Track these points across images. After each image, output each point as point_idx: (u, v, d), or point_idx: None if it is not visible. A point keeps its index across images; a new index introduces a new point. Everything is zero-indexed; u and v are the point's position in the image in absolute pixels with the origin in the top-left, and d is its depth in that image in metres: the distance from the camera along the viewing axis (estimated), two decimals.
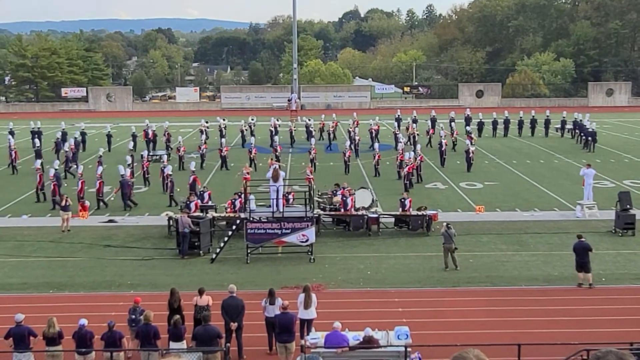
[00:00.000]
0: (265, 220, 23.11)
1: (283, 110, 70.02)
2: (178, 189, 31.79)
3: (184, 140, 43.67)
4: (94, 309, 18.46)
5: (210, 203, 27.86)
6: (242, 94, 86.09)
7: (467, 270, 21.93)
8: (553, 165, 41.06)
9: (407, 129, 47.73)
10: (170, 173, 32.70)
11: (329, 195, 28.55)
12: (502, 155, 44.46)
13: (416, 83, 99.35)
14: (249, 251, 23.13)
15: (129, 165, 33.96)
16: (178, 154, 40.72)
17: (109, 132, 48.72)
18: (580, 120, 50.92)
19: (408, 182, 33.48)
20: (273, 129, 47.99)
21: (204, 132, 47.88)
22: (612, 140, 51.04)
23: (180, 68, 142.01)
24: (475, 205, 30.20)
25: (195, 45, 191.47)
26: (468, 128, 47.64)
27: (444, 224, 22.61)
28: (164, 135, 47.40)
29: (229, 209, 26.89)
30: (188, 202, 26.13)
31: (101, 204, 31.05)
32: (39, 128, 48.69)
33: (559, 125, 53.52)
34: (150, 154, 41.24)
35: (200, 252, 23.87)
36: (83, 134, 48.23)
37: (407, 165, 34.15)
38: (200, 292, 16.62)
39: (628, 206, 26.23)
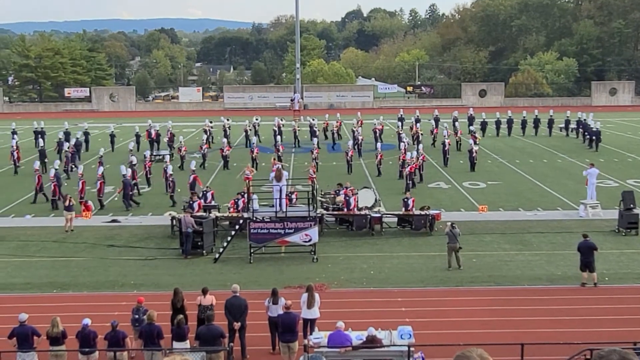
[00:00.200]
0: (268, 220, 23.11)
1: (286, 110, 70.04)
2: (179, 190, 31.82)
3: (185, 140, 43.69)
4: (98, 308, 18.48)
5: (213, 203, 27.89)
6: (244, 93, 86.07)
7: (470, 270, 21.92)
8: (556, 165, 41.01)
9: (411, 128, 47.68)
10: (171, 173, 32.73)
11: (332, 195, 28.55)
12: (505, 155, 44.42)
13: (419, 83, 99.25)
14: (252, 251, 23.14)
15: (134, 165, 34.05)
16: (179, 154, 40.80)
17: (112, 132, 48.77)
18: (585, 120, 50.89)
19: (410, 182, 33.48)
20: (276, 129, 48.01)
21: (207, 132, 47.93)
22: (616, 139, 50.94)
23: (183, 68, 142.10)
24: (478, 204, 30.19)
25: (198, 45, 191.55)
26: (472, 128, 47.61)
27: (449, 223, 22.60)
28: (167, 135, 47.44)
29: (232, 209, 26.90)
30: (191, 202, 26.15)
31: (101, 204, 31.04)
32: (42, 128, 48.75)
33: (563, 125, 53.49)
34: (154, 154, 41.29)
35: (204, 251, 23.89)
36: (86, 133, 48.31)
37: (409, 165, 34.15)
38: (204, 292, 16.64)
39: (631, 205, 26.19)
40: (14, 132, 47.97)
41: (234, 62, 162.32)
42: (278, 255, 23.73)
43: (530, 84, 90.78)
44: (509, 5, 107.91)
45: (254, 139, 44.05)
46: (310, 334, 15.61)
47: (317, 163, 38.07)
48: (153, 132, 47.28)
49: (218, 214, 26.46)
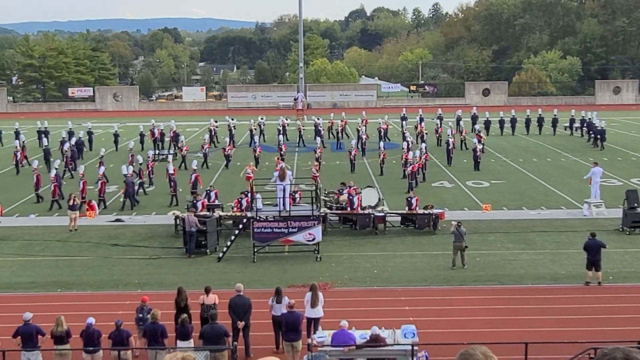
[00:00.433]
0: (272, 219, 23.13)
1: (289, 110, 70.04)
2: (180, 190, 31.84)
3: (189, 140, 43.71)
4: (102, 307, 18.52)
5: (216, 202, 27.90)
6: (248, 93, 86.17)
7: (474, 269, 21.91)
8: (560, 164, 40.96)
9: (416, 127, 47.68)
10: (173, 172, 32.75)
11: (336, 194, 28.57)
12: (508, 154, 44.37)
13: (422, 82, 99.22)
14: (255, 250, 23.15)
15: (140, 164, 34.02)
16: (181, 154, 40.86)
17: (115, 131, 48.85)
18: (590, 119, 50.81)
19: (413, 181, 33.46)
20: (280, 128, 47.98)
21: (210, 132, 47.94)
22: (620, 138, 50.85)
23: (187, 67, 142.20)
24: (482, 203, 30.16)
25: (202, 44, 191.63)
26: (476, 127, 47.57)
27: (454, 222, 22.61)
28: (170, 134, 47.47)
29: (235, 208, 26.92)
30: (195, 201, 26.18)
31: (102, 204, 31.09)
32: (46, 128, 48.82)
33: (567, 124, 53.41)
34: (157, 153, 41.34)
35: (207, 251, 23.92)
36: (90, 133, 48.37)
37: (411, 164, 34.13)
38: (207, 291, 16.64)
39: (635, 204, 26.14)
40: (17, 133, 47.98)
41: (237, 62, 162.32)
42: (282, 254, 23.75)
43: (533, 83, 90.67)
44: (512, 4, 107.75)
45: (255, 138, 44.06)
46: (314, 333, 15.61)
47: (320, 162, 38.07)
48: (157, 132, 47.34)
49: (222, 213, 26.49)
